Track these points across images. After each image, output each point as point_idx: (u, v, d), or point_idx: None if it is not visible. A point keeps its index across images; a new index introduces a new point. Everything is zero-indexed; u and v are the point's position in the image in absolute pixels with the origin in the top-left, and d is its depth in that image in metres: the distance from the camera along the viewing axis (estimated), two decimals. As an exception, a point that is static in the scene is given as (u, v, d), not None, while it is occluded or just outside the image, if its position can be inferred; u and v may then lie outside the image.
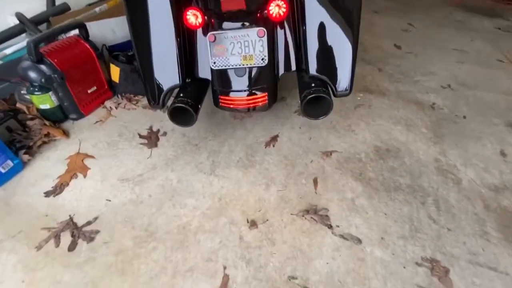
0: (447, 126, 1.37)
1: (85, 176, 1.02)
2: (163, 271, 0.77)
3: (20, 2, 1.42)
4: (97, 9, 1.49)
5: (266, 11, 0.78)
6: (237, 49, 0.81)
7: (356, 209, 0.95)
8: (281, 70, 0.96)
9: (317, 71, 0.86)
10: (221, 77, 0.88)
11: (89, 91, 1.26)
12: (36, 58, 1.03)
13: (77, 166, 1.04)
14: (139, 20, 0.89)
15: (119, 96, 1.38)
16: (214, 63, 0.84)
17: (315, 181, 1.04)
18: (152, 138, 1.19)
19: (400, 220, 0.92)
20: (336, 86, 0.88)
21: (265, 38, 0.80)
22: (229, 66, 0.84)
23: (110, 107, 1.33)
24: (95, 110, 1.31)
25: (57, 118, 1.20)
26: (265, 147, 1.18)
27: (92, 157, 1.09)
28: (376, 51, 2.09)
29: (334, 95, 0.89)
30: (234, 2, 0.75)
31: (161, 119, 1.30)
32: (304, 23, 0.83)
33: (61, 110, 1.19)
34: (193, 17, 0.80)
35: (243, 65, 0.83)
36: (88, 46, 1.21)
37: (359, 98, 1.54)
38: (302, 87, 0.91)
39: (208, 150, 1.16)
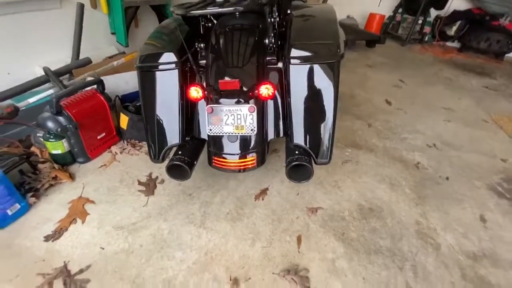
0: (430, 187, 1.44)
1: (83, 222, 1.09)
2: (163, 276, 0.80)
3: (48, 54, 1.62)
4: (114, 62, 1.69)
5: (256, 91, 0.91)
6: (231, 120, 0.93)
7: (335, 271, 0.99)
8: (271, 136, 1.07)
9: (300, 141, 0.98)
10: (216, 142, 1.00)
11: (98, 137, 1.39)
12: (56, 110, 1.17)
13: (78, 211, 1.11)
14: (149, 87, 1.03)
15: (124, 141, 1.50)
16: (210, 130, 0.96)
17: (299, 239, 1.09)
18: (150, 186, 1.27)
19: (377, 285, 0.96)
20: (317, 155, 0.98)
21: (254, 113, 0.92)
22: (223, 133, 0.95)
23: (115, 152, 1.44)
24: (101, 154, 1.43)
25: (66, 162, 1.31)
26: (255, 200, 1.26)
27: (92, 202, 1.18)
28: (367, 106, 2.24)
29: (315, 163, 0.99)
30: (230, 84, 0.88)
31: (160, 166, 1.40)
32: (289, 97, 0.96)
33: (70, 155, 1.31)
34: (195, 92, 0.94)
35: (235, 133, 0.94)
36: (103, 99, 1.36)
37: (347, 154, 1.64)
38: (288, 153, 1.01)
39: (201, 200, 1.23)
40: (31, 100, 1.31)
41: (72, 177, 1.28)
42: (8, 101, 1.28)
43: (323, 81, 0.92)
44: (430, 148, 1.76)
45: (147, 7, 2.21)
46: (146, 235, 1.06)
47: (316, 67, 0.91)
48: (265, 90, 0.90)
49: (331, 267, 1.00)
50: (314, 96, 0.94)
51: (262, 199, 1.26)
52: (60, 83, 1.35)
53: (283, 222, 1.16)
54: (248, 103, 0.92)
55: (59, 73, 1.46)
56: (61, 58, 1.63)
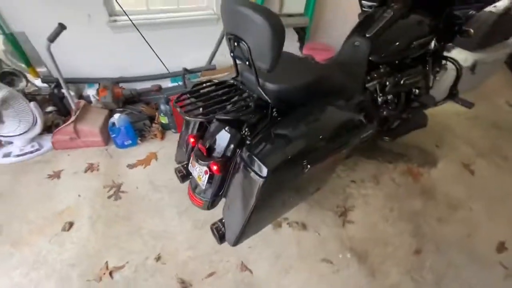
0: None
1: (144, 168, 1.90)
2: (127, 233, 1.50)
3: (196, 52, 2.39)
4: (227, 73, 2.26)
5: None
6: (198, 170, 1.27)
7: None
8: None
9: (224, 215, 1.18)
10: (191, 178, 1.38)
11: (186, 122, 2.10)
12: (166, 102, 1.94)
13: (147, 160, 1.93)
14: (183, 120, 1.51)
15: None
16: (190, 167, 1.35)
17: (210, 274, 1.38)
18: (185, 169, 1.88)
19: None
20: (226, 234, 1.16)
21: (207, 175, 1.21)
22: (192, 174, 1.32)
23: (192, 135, 2.13)
24: (185, 132, 2.16)
25: (166, 128, 2.15)
26: (220, 226, 1.58)
27: (156, 160, 1.96)
28: (455, 227, 1.62)
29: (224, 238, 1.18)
30: (202, 148, 1.21)
31: (202, 160, 1.96)
32: (232, 179, 1.14)
33: (168, 125, 2.12)
34: (191, 139, 1.33)
35: (197, 180, 1.29)
36: (196, 100, 2.01)
37: (340, 256, 1.48)
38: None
39: (196, 199, 1.71)
40: (170, 84, 2.19)
41: (163, 138, 2.11)
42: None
43: (250, 187, 1.03)
44: None
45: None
46: (157, 196, 1.72)
47: (251, 175, 1.02)
48: (214, 167, 1.15)
49: (205, 310, 1.26)
50: (242, 193, 1.07)
51: (224, 229, 1.56)
52: (183, 81, 2.11)
53: (217, 255, 1.45)
54: (207, 167, 1.21)
55: (193, 71, 2.22)
56: (201, 56, 2.38)
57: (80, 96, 2.21)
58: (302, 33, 2.53)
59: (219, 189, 1.27)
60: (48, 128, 2.04)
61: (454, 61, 1.82)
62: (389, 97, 1.76)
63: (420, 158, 2.09)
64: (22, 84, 2.08)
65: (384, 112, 1.78)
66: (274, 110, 1.17)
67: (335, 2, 2.55)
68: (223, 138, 1.22)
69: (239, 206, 1.10)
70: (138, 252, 1.45)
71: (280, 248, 1.50)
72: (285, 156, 1.01)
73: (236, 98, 1.18)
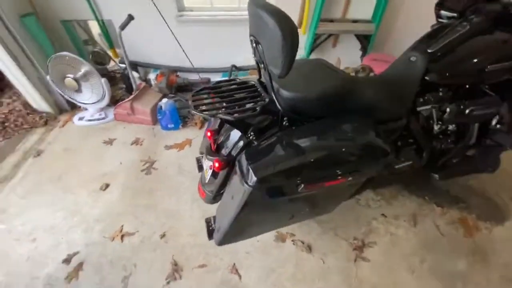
0: None
1: (178, 151, 2.06)
2: (146, 206, 1.69)
3: (248, 50, 2.42)
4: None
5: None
6: (205, 164, 1.31)
7: (184, 301, 1.29)
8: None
9: (216, 212, 1.19)
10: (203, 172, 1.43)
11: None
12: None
13: (182, 145, 2.08)
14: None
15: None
16: (202, 159, 1.40)
17: (202, 266, 1.41)
18: (211, 160, 1.97)
19: None
20: (215, 232, 1.16)
21: (211, 171, 1.23)
22: (204, 166, 1.37)
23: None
24: (222, 125, 2.25)
25: (206, 119, 2.27)
26: (226, 223, 1.60)
27: (190, 146, 2.09)
28: None
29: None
30: (212, 144, 1.24)
31: (229, 155, 2.01)
32: (230, 181, 1.13)
33: (209, 116, 2.24)
34: (209, 133, 1.37)
35: (205, 173, 1.33)
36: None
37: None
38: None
39: (212, 191, 1.77)
40: (216, 78, 2.30)
41: (201, 127, 2.24)
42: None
43: (239, 192, 1.00)
44: None
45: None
46: (181, 180, 1.84)
47: (242, 181, 0.99)
48: (216, 164, 1.16)
49: (186, 297, 1.31)
50: (232, 196, 1.04)
51: (228, 227, 1.57)
52: (229, 76, 2.19)
53: (213, 249, 1.48)
54: (212, 163, 1.24)
55: (241, 69, 2.28)
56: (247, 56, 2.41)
57: (145, 79, 2.53)
58: (365, 42, 2.29)
59: (222, 186, 1.28)
60: (116, 102, 2.41)
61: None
62: (450, 127, 1.46)
63: (483, 209, 1.67)
64: (108, 63, 2.51)
65: (442, 145, 1.48)
66: (285, 118, 1.11)
67: (409, 9, 2.22)
68: (234, 136, 1.23)
69: (228, 208, 1.09)
70: (149, 225, 1.59)
71: (276, 263, 1.43)
72: (279, 169, 0.94)
73: (252, 99, 1.16)
